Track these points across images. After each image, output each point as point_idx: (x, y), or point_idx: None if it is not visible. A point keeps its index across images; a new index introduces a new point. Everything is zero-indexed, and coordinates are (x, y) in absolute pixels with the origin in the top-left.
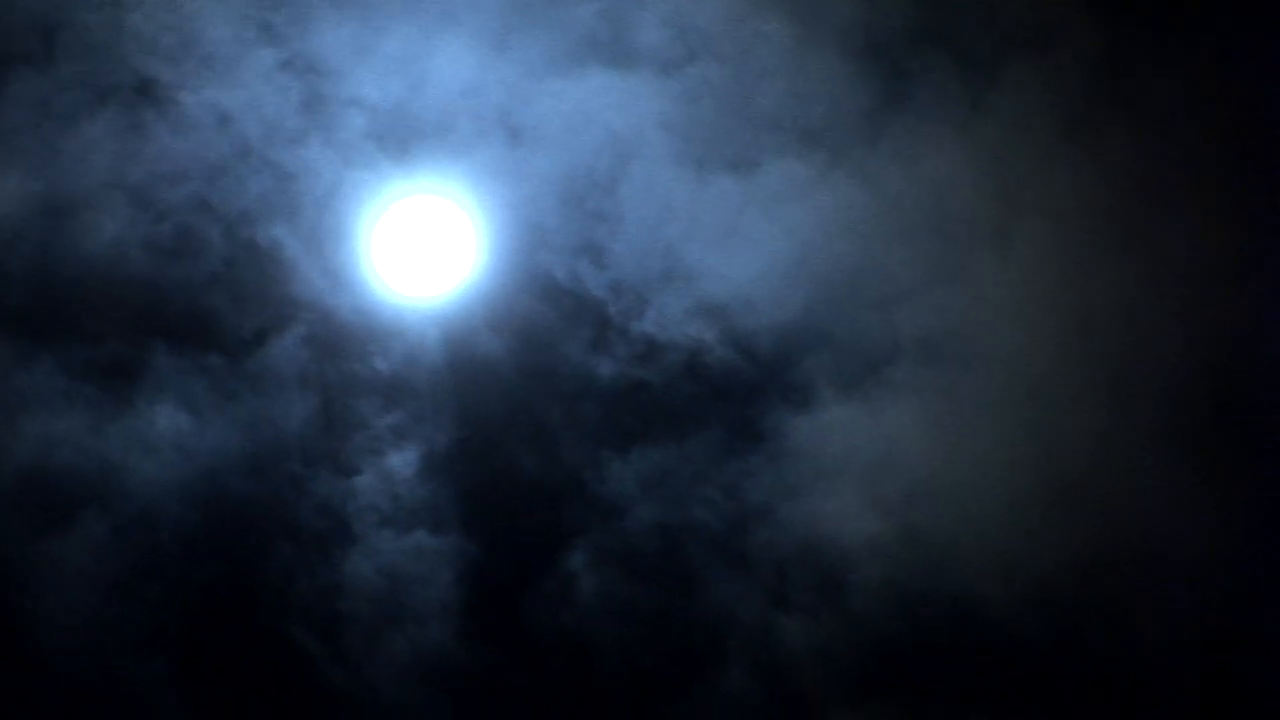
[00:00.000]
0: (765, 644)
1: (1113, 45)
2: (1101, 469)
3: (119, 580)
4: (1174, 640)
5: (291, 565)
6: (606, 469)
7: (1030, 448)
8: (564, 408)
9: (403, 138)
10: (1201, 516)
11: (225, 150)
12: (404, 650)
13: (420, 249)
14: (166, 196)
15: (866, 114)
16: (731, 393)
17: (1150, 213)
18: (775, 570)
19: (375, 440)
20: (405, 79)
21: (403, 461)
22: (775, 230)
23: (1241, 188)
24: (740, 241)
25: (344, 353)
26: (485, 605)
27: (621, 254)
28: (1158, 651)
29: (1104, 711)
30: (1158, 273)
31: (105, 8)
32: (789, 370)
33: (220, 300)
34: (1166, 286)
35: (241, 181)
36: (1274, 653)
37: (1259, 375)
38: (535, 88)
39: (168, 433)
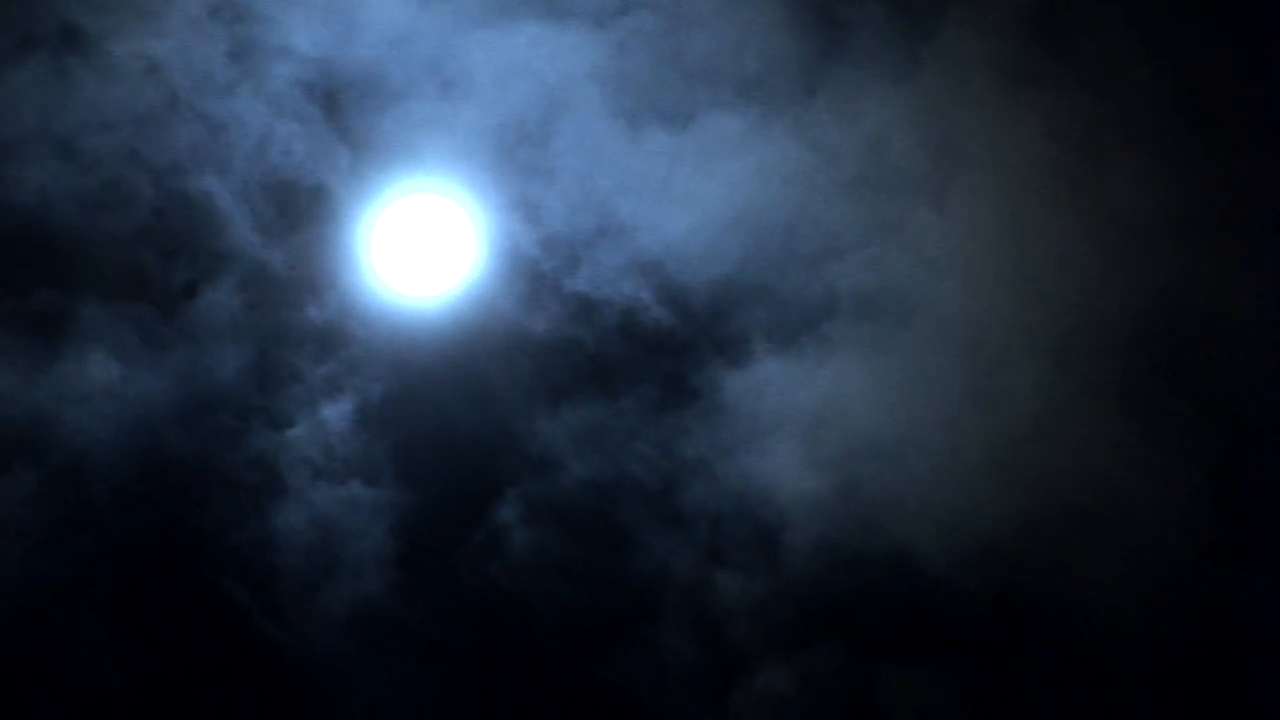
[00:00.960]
0: (700, 600)
1: None
2: (1043, 424)
3: (49, 532)
4: (1115, 594)
5: (224, 518)
6: (540, 424)
7: (971, 404)
8: (498, 363)
9: (332, 88)
10: (1143, 471)
11: (154, 100)
12: (338, 602)
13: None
14: (94, 147)
15: (803, 67)
16: (666, 349)
17: (1091, 165)
18: (710, 527)
19: (309, 392)
20: (335, 28)
21: (336, 414)
22: (710, 185)
23: (1182, 139)
24: (674, 196)
25: (277, 304)
26: (418, 557)
27: (554, 209)
28: (1099, 605)
29: (1044, 664)
30: (1099, 226)
31: None
32: (724, 326)
33: (151, 252)
34: (1108, 240)
35: (171, 132)
36: (1215, 604)
37: (1201, 328)
38: (467, 39)
39: (99, 384)
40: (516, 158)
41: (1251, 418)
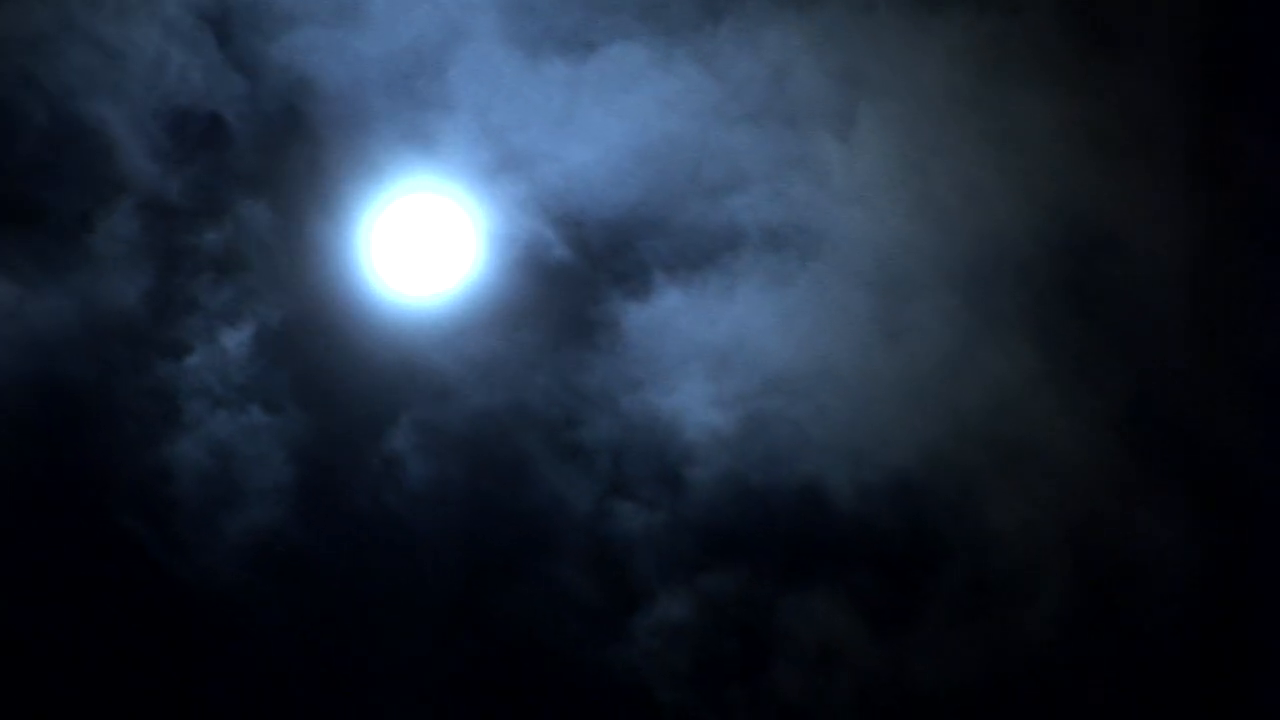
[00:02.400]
0: (599, 532)
1: None
2: (953, 356)
3: None
4: (1027, 526)
5: (119, 448)
6: (435, 355)
7: (880, 336)
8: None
9: (223, 13)
10: (1056, 403)
11: (47, 22)
12: (236, 533)
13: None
14: None
15: None
16: (566, 282)
17: (999, 91)
18: (612, 460)
19: (207, 319)
20: None
21: (235, 340)
22: (612, 116)
23: (1089, 63)
24: (575, 128)
25: (174, 231)
26: (317, 486)
27: (450, 141)
28: (1011, 538)
29: (954, 594)
30: (1008, 154)
31: None
32: (626, 259)
33: (45, 178)
34: (1017, 167)
35: (64, 55)
36: (1131, 538)
37: (1114, 257)
38: None
39: None
40: (412, 89)
41: (1162, 348)
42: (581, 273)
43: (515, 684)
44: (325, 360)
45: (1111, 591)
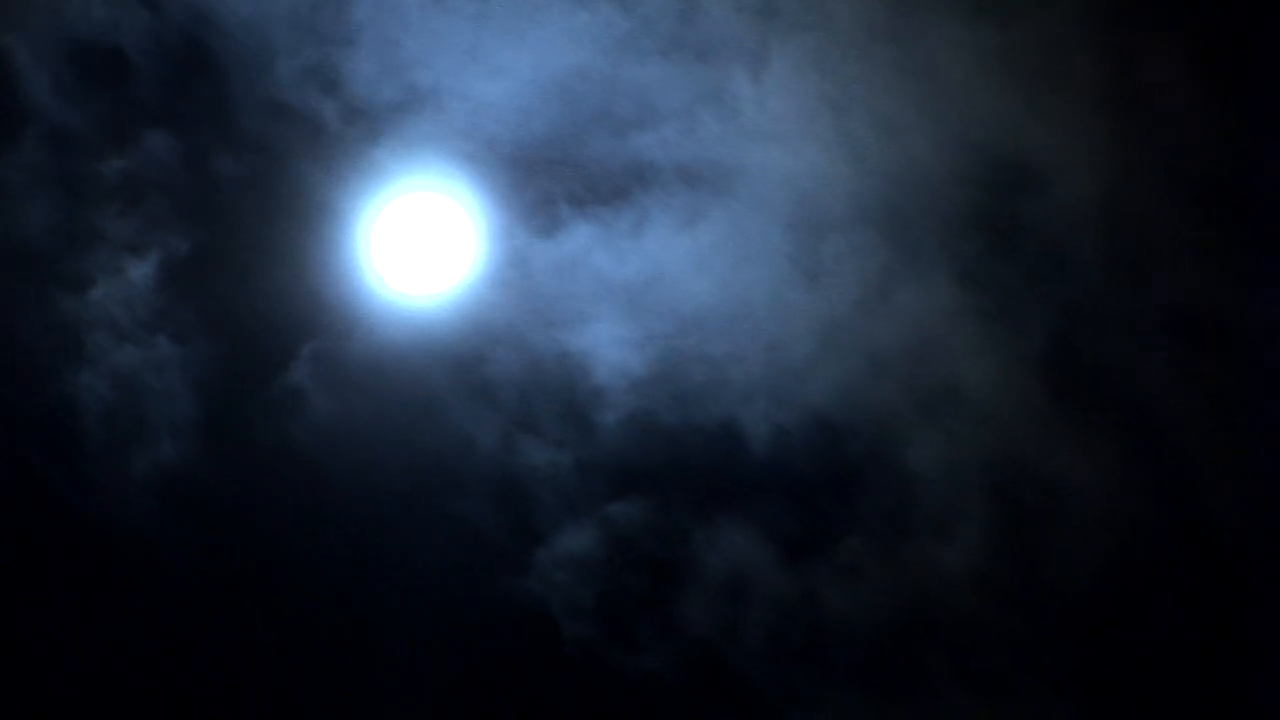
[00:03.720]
0: (506, 468)
1: None
2: (872, 293)
3: None
4: (946, 465)
5: (22, 383)
6: (344, 288)
7: (797, 274)
8: (304, 226)
9: None
10: (976, 341)
11: None
12: (142, 467)
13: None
14: None
15: None
16: (472, 217)
17: (915, 24)
18: (520, 398)
19: (112, 250)
20: None
21: (140, 272)
22: (520, 51)
23: None
24: (482, 62)
25: (78, 161)
26: (222, 419)
27: (355, 79)
28: (930, 477)
29: (872, 530)
30: (925, 88)
31: None
32: (535, 195)
33: None
34: (935, 102)
35: None
36: (1049, 474)
37: (1034, 193)
38: None
39: None
40: (315, 25)
41: (1082, 284)
42: (489, 207)
43: (420, 618)
44: (231, 292)
45: (1030, 528)
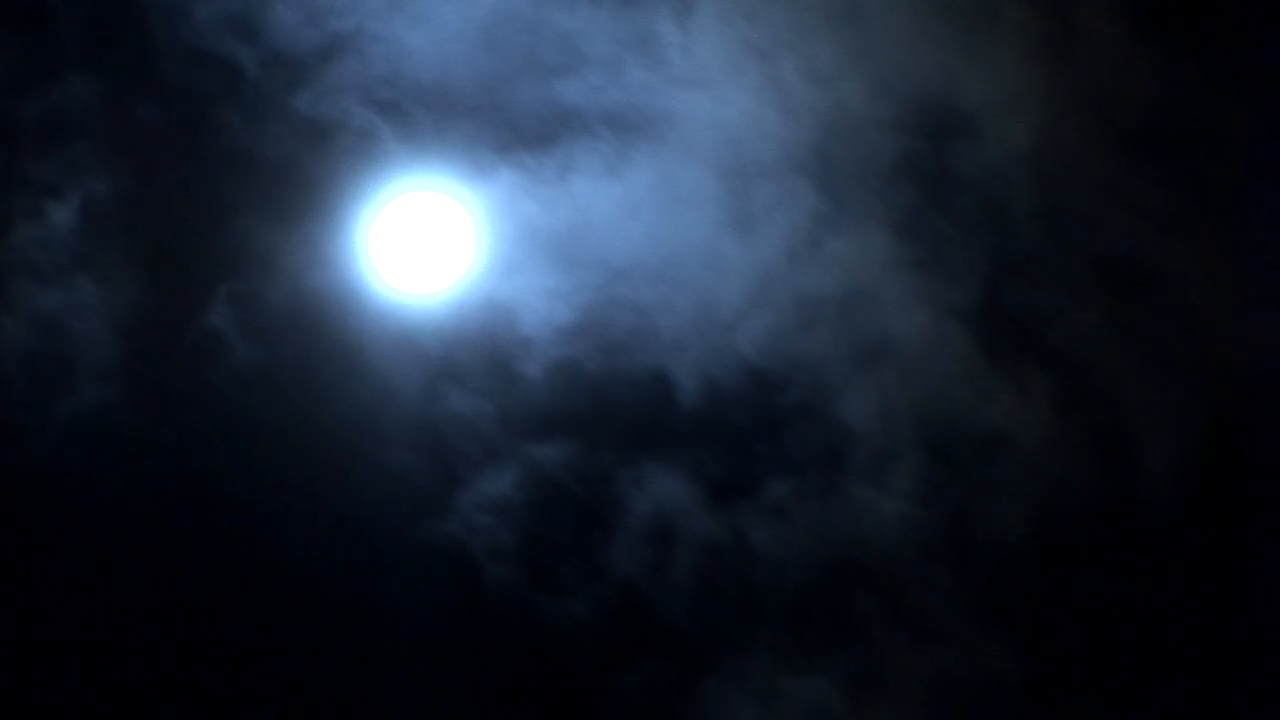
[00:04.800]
0: (429, 419)
1: None
2: (804, 245)
3: None
4: (878, 418)
5: None
6: (268, 238)
7: (729, 223)
8: (229, 177)
9: None
10: (911, 292)
11: None
12: (64, 412)
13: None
14: None
15: None
16: (394, 167)
17: None
18: (443, 347)
19: (32, 193)
20: None
21: (62, 215)
22: None
23: None
24: (405, 10)
25: None
26: (143, 363)
27: (275, 27)
28: (862, 430)
29: (802, 477)
30: (855, 34)
31: None
32: (457, 143)
33: None
34: (867, 52)
35: None
36: (981, 427)
37: (967, 142)
38: None
39: None
40: None
41: (1015, 234)
42: (410, 156)
43: (339, 562)
44: (154, 235)
45: (962, 477)
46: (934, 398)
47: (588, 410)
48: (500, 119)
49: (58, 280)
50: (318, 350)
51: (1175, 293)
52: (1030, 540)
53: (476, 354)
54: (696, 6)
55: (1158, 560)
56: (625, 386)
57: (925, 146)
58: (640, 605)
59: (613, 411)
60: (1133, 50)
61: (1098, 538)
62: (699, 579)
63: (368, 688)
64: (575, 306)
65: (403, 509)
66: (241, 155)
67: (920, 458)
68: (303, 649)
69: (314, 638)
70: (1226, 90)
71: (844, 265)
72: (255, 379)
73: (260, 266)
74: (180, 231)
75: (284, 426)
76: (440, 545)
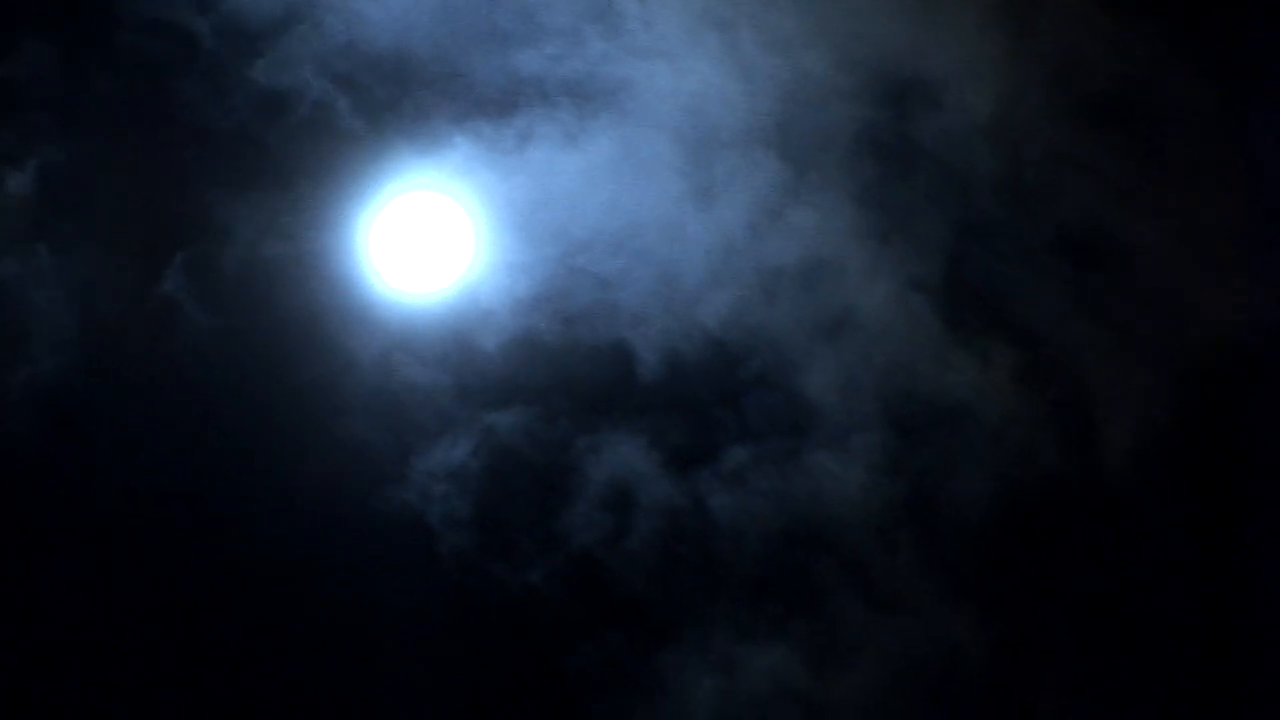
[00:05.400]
0: (385, 389)
1: None
2: (766, 216)
3: None
4: (841, 386)
5: None
6: (224, 206)
7: (690, 194)
8: (181, 151)
9: None
10: (870, 263)
11: None
12: (19, 381)
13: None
14: None
15: None
16: (351, 140)
17: None
18: (400, 319)
19: None
20: None
21: (18, 181)
22: None
23: None
24: None
25: None
26: (100, 332)
27: None
28: (826, 403)
29: (763, 447)
30: (818, 6)
31: None
32: (414, 114)
33: None
34: (828, 22)
35: None
36: (943, 396)
37: (928, 110)
38: None
39: None
40: None
41: (977, 206)
42: (368, 128)
43: (295, 532)
44: (111, 202)
45: (924, 448)
46: (896, 369)
47: (547, 381)
48: (458, 89)
49: (14, 248)
50: (274, 319)
51: (1138, 265)
52: (992, 511)
53: (433, 325)
54: None
55: (1120, 531)
56: (585, 358)
57: (887, 117)
58: (599, 574)
59: (572, 383)
60: (1095, 21)
61: (1060, 509)
62: (659, 548)
63: (324, 654)
64: (535, 278)
65: (357, 476)
66: (198, 124)
67: (882, 429)
68: (258, 616)
69: (270, 605)
70: (1189, 61)
71: (805, 236)
72: (211, 347)
73: (216, 235)
74: (137, 200)
75: (240, 394)
76: (394, 511)
